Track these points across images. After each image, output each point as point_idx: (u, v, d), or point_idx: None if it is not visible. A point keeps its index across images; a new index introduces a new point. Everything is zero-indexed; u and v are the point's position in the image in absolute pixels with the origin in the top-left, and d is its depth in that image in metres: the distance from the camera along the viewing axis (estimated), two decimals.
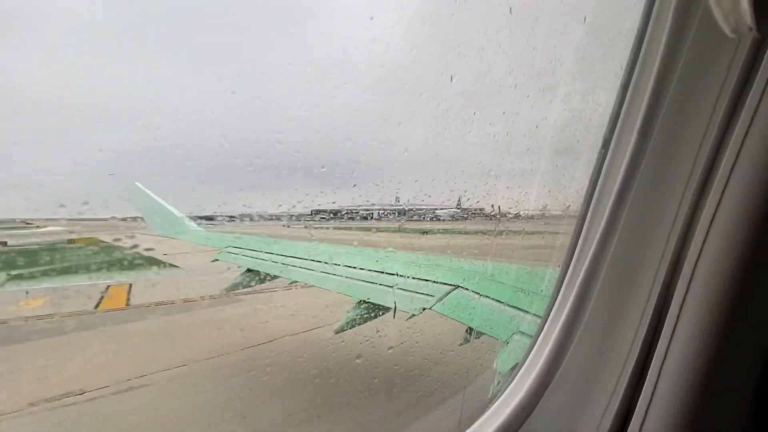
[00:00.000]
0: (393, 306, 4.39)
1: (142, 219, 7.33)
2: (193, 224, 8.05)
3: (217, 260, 6.70)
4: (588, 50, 0.98)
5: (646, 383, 0.84)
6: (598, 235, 0.95)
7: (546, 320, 1.05)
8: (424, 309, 4.09)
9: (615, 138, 0.94)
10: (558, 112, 1.06)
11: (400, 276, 4.78)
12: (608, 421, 0.89)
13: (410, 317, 4.13)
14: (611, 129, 0.95)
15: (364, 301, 4.63)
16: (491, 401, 1.09)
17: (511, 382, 1.07)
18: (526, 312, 2.35)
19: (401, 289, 4.52)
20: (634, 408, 0.85)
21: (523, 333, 2.29)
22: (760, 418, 0.79)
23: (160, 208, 7.30)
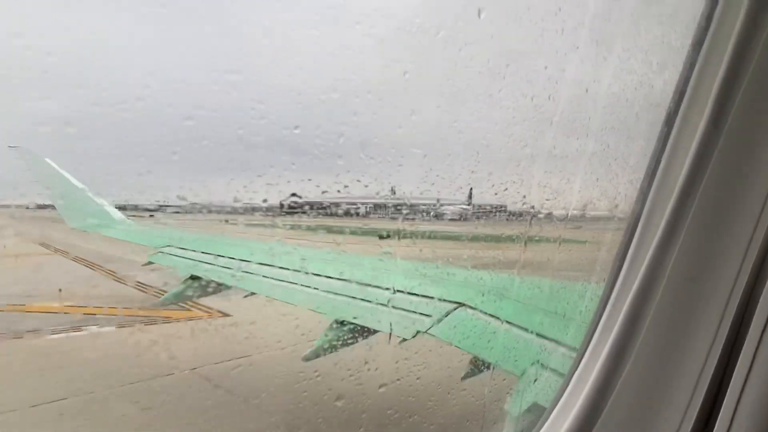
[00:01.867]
0: (379, 328, 4.34)
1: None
2: (120, 215, 7.80)
3: (151, 263, 6.54)
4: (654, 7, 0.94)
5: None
6: (655, 243, 0.92)
7: (584, 352, 1.03)
8: (418, 332, 4.04)
9: (680, 118, 0.92)
10: (613, 73, 1.01)
11: (389, 290, 4.72)
12: None
13: (401, 342, 4.09)
14: (677, 102, 0.93)
15: (341, 321, 4.57)
16: None
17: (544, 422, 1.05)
18: (556, 342, 2.34)
19: (389, 306, 4.47)
20: None
21: (551, 369, 2.28)
22: None
23: (76, 193, 6.96)
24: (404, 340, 4.04)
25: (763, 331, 0.79)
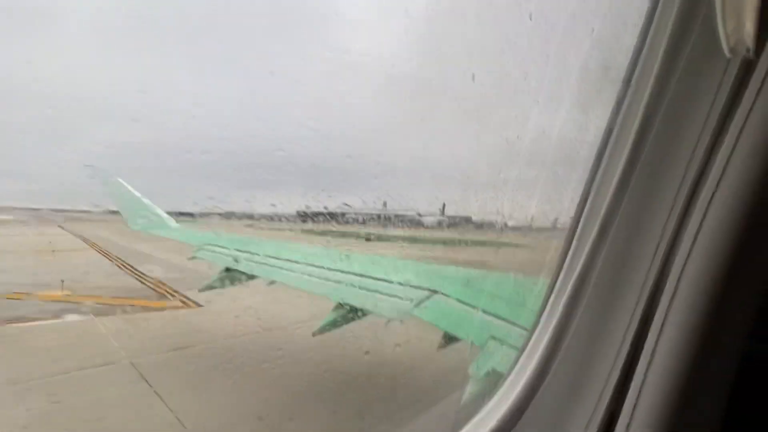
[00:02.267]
0: (373, 310, 4.34)
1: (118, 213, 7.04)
2: (171, 221, 7.77)
3: (195, 258, 6.47)
4: (592, 62, 1.00)
5: (630, 389, 0.85)
6: (588, 245, 0.95)
7: (535, 329, 1.04)
8: (402, 313, 4.05)
9: (608, 151, 0.95)
10: (562, 120, 1.06)
11: (381, 280, 4.73)
12: (593, 427, 0.88)
13: (388, 321, 4.09)
14: (605, 142, 0.96)
15: (343, 304, 4.57)
16: (476, 411, 1.07)
17: (497, 391, 1.05)
18: (512, 323, 2.36)
19: (381, 293, 4.47)
20: (619, 414, 0.86)
21: (508, 343, 2.30)
22: (730, 421, 0.82)
23: (138, 203, 7.01)
24: (391, 319, 4.04)
25: (666, 314, 0.82)
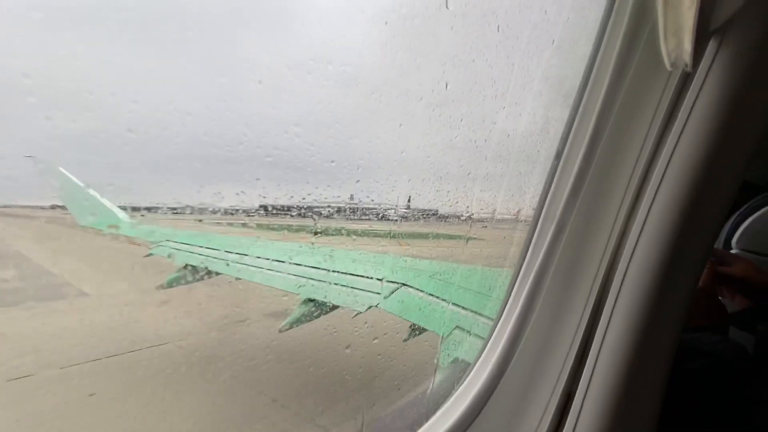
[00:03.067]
0: (340, 303, 4.34)
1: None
2: (124, 215, 7.23)
3: (151, 254, 6.11)
4: (552, 71, 1.08)
5: (584, 371, 0.93)
6: (548, 239, 1.02)
7: (498, 321, 1.10)
8: (370, 307, 4.08)
9: (566, 150, 1.03)
10: (525, 124, 1.14)
11: (346, 274, 4.73)
12: (549, 413, 0.96)
13: (356, 315, 4.11)
14: (563, 142, 1.03)
15: (310, 299, 4.52)
16: (444, 400, 1.12)
17: (464, 379, 1.10)
18: (478, 313, 2.46)
19: (347, 286, 4.48)
20: (574, 394, 0.94)
21: (475, 333, 2.39)
22: (669, 393, 0.91)
23: (86, 197, 6.45)
24: (359, 313, 4.06)
25: (615, 304, 0.90)
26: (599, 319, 0.93)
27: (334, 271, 4.73)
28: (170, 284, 5.64)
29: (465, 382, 1.08)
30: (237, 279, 5.22)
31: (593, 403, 0.89)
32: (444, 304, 3.47)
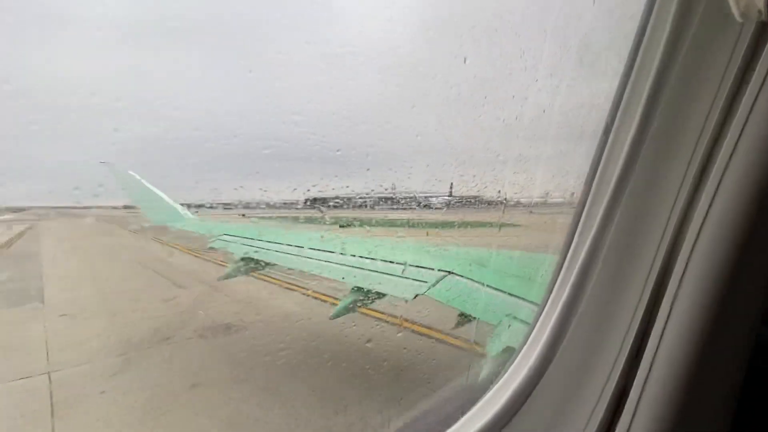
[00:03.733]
0: (387, 292, 4.40)
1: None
2: (187, 212, 7.97)
3: (211, 248, 6.64)
4: (594, 35, 0.97)
5: (641, 366, 0.85)
6: (597, 222, 0.94)
7: (543, 307, 1.05)
8: (416, 295, 4.10)
9: (616, 124, 0.94)
10: (564, 97, 1.04)
11: (394, 263, 4.78)
12: (600, 411, 0.90)
13: (405, 302, 4.14)
14: (612, 115, 0.94)
15: (358, 287, 4.64)
16: (487, 389, 1.09)
17: (506, 370, 1.07)
18: (524, 299, 2.37)
19: (395, 275, 4.52)
20: (629, 390, 0.86)
21: (520, 320, 2.32)
22: (740, 417, 0.81)
23: (154, 197, 7.24)
24: (406, 301, 4.09)
25: (676, 295, 0.80)
26: (658, 309, 0.83)
27: (381, 260, 4.81)
28: (229, 276, 6.11)
29: (507, 372, 1.05)
30: (288, 269, 5.51)
31: (652, 402, 0.81)
32: (489, 290, 3.39)
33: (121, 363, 5.32)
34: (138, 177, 7.14)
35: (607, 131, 0.96)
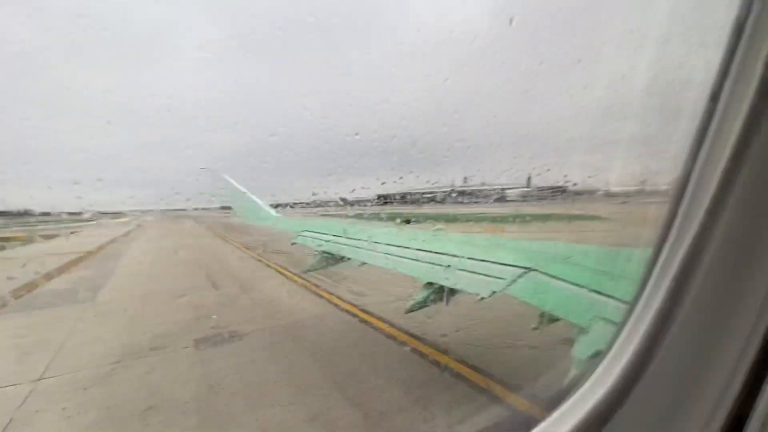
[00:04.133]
0: (462, 288, 4.33)
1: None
2: (273, 211, 8.82)
3: (294, 243, 7.23)
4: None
5: (759, 400, 0.72)
6: (701, 213, 0.81)
7: (635, 306, 0.95)
8: (494, 292, 3.95)
9: (725, 96, 0.79)
10: (651, 57, 0.88)
11: (469, 259, 4.67)
12: (715, 430, 0.78)
13: (480, 300, 4.03)
14: (719, 85, 0.80)
15: (431, 283, 4.64)
16: (571, 392, 1.03)
17: (593, 372, 1.00)
18: (611, 297, 2.15)
19: (470, 271, 4.42)
20: (747, 419, 0.74)
21: (607, 320, 2.11)
22: None
23: (244, 198, 8.19)
24: (483, 298, 3.97)
25: None
26: None
27: (454, 256, 4.75)
28: (310, 269, 6.61)
29: (593, 377, 0.97)
30: (363, 264, 5.75)
31: None
32: (574, 287, 3.12)
33: (104, 373, 5.44)
34: (231, 180, 8.11)
35: (714, 98, 0.81)
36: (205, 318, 7.73)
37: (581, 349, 2.29)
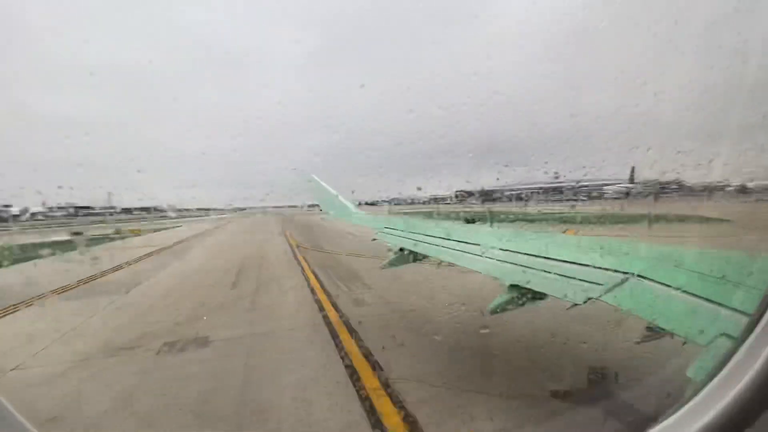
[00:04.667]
0: (551, 293, 4.08)
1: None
2: (357, 209, 9.34)
3: (375, 239, 7.55)
4: None
5: None
6: None
7: (759, 319, 0.86)
8: (589, 298, 3.64)
9: None
10: None
11: (560, 261, 4.37)
12: None
13: (572, 306, 3.76)
14: None
15: (516, 285, 4.45)
16: (679, 412, 0.96)
17: (706, 391, 0.92)
18: (730, 308, 1.86)
19: (561, 275, 4.13)
20: None
21: (725, 334, 1.84)
22: None
23: (331, 196, 8.84)
24: (575, 305, 3.68)
25: None
26: None
27: (544, 257, 4.49)
28: (390, 265, 6.84)
29: (703, 392, 0.90)
30: (442, 263, 5.75)
31: None
32: (687, 297, 2.74)
33: (63, 371, 5.57)
34: (319, 180, 8.83)
35: None
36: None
37: (695, 366, 2.04)
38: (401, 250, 6.62)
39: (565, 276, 4.05)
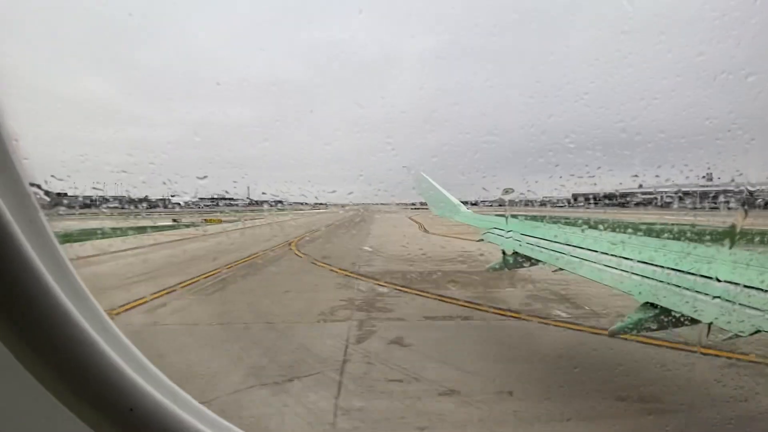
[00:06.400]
0: (700, 318, 3.45)
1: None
2: (464, 208, 9.29)
3: (482, 240, 7.35)
4: None
5: None
6: None
7: None
8: (758, 331, 3.00)
9: None
10: None
11: (714, 279, 3.65)
12: None
13: (730, 337, 3.14)
14: None
15: (652, 304, 3.86)
16: None
17: None
18: None
19: (716, 297, 3.46)
20: None
21: None
22: None
23: (439, 194, 8.96)
24: (736, 336, 3.08)
25: None
26: None
27: (691, 274, 3.80)
28: (497, 268, 6.59)
29: None
30: (559, 270, 5.26)
31: None
32: None
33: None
34: (428, 177, 9.03)
35: None
36: None
37: None
38: (513, 253, 6.29)
39: (722, 299, 3.39)
